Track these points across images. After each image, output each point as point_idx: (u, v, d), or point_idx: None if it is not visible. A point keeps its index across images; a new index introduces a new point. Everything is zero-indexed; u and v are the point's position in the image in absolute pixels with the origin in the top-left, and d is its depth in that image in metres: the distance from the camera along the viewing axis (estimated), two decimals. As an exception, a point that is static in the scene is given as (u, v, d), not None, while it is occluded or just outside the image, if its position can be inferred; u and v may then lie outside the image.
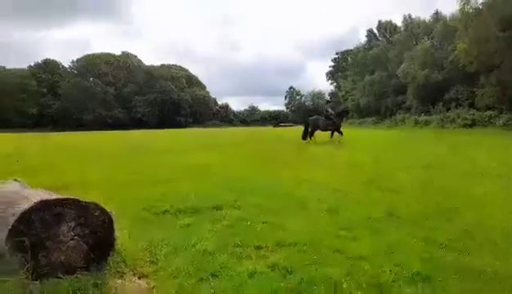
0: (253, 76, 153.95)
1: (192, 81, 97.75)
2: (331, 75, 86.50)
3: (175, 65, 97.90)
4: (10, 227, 2.88)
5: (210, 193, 6.20)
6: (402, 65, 43.95)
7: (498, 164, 9.15)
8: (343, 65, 78.09)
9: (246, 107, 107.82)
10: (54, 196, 3.15)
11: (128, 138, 30.07)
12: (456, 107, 36.15)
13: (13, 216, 2.94)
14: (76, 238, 3.03)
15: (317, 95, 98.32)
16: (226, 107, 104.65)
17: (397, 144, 17.48)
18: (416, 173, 8.00)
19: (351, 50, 72.01)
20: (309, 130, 19.34)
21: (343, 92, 68.57)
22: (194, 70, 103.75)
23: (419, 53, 41.40)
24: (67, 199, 3.03)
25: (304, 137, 19.26)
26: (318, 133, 19.75)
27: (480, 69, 31.47)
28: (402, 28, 52.41)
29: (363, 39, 66.10)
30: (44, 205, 2.95)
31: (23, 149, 17.84)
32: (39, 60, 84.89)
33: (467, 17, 31.91)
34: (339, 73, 78.55)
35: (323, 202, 5.40)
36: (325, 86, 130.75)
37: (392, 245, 3.75)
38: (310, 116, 21.45)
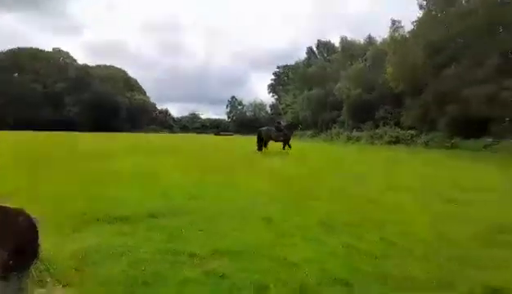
0: (195, 83, 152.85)
1: (131, 84, 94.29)
2: (272, 88, 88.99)
3: (112, 66, 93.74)
4: None
5: (146, 200, 6.06)
6: (338, 84, 46.72)
7: (414, 178, 10.11)
8: (284, 79, 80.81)
9: (187, 113, 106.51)
10: (-30, 199, 2.90)
11: (62, 141, 28.02)
12: (384, 125, 39.19)
13: None
14: (-5, 245, 2.82)
15: (259, 106, 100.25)
16: (165, 112, 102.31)
17: (331, 158, 18.44)
18: (347, 185, 8.54)
19: (292, 65, 74.87)
20: (263, 140, 19.75)
21: (284, 105, 70.82)
22: (134, 74, 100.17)
23: (353, 73, 44.33)
24: (-13, 203, 2.82)
25: (260, 148, 19.52)
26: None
27: (406, 92, 34.54)
28: (340, 49, 55.74)
29: (303, 56, 69.14)
30: (-42, 209, 2.72)
31: None
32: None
33: (395, 43, 34.97)
34: (280, 87, 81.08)
35: (260, 211, 5.56)
36: (267, 98, 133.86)
37: (321, 252, 3.99)
38: (259, 127, 22.28)
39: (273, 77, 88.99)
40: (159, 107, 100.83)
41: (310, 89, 55.84)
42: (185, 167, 11.34)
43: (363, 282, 3.34)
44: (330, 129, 50.26)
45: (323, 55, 63.86)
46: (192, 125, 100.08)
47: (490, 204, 6.75)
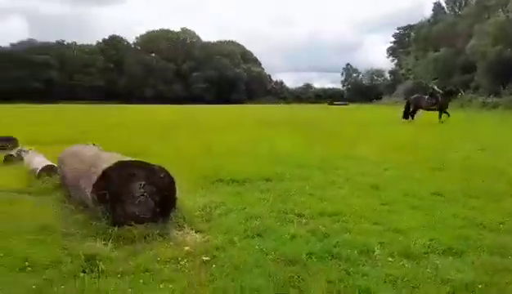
0: (308, 52, 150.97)
1: (247, 57, 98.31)
2: (392, 51, 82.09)
3: (231, 41, 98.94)
4: (94, 182, 3.51)
5: (261, 166, 6.63)
6: (472, 41, 40.56)
7: None
8: (406, 41, 73.63)
9: (301, 84, 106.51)
10: (128, 159, 3.73)
11: (189, 113, 31.48)
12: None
13: (95, 173, 3.57)
14: (145, 194, 3.60)
15: (376, 73, 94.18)
16: (280, 84, 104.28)
17: (457, 127, 16.61)
18: (470, 155, 7.77)
19: (414, 25, 67.52)
20: (410, 109, 18.73)
21: (404, 70, 65.01)
22: (249, 47, 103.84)
23: (491, 27, 37.83)
24: (139, 161, 3.60)
25: (405, 116, 18.67)
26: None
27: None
28: (474, 1, 47.95)
29: (428, 13, 61.61)
30: (121, 165, 3.55)
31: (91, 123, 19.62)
32: (105, 36, 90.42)
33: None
34: (401, 50, 74.32)
35: (368, 178, 5.59)
36: (384, 64, 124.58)
37: (430, 221, 3.90)
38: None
39: (393, 39, 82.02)
40: (274, 78, 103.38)
41: (436, 50, 49.89)
42: (298, 136, 11.74)
43: (478, 254, 3.20)
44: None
45: (453, 10, 55.83)
46: (305, 95, 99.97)
47: None
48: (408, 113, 18.59)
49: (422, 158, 7.33)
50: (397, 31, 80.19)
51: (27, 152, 6.58)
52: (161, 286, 2.54)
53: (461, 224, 3.84)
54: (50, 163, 5.52)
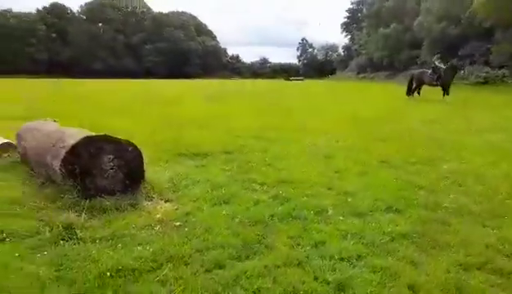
0: (263, 26, 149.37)
1: (202, 30, 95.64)
2: (346, 27, 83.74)
3: (184, 13, 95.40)
4: (62, 157, 3.59)
5: (220, 140, 6.88)
6: (418, 18, 42.55)
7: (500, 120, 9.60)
8: (359, 17, 75.34)
9: (257, 58, 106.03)
10: (95, 134, 3.82)
11: (144, 88, 30.54)
12: (471, 64, 35.47)
13: (63, 148, 3.65)
14: (115, 167, 3.74)
15: (330, 49, 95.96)
16: (236, 58, 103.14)
17: (404, 101, 17.76)
18: (414, 126, 8.53)
19: (366, 0, 69.12)
20: (414, 85, 18.02)
21: (357, 46, 66.91)
22: (204, 19, 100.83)
23: (436, 5, 39.90)
24: (106, 136, 3.71)
25: (408, 93, 17.99)
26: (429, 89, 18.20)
27: (497, 25, 30.54)
28: (422, -22, 49.92)
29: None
30: (89, 140, 3.65)
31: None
32: (46, 3, 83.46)
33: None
34: (355, 25, 76.03)
35: (321, 149, 6.06)
36: (339, 39, 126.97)
37: (375, 185, 4.42)
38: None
39: (347, 14, 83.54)
40: (229, 52, 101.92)
41: (386, 26, 51.75)
42: (254, 111, 12.03)
43: (412, 210, 3.74)
44: (408, 70, 46.84)
45: (403, -13, 57.73)
46: (262, 70, 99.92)
47: None
48: (411, 89, 17.93)
49: (371, 130, 7.96)
50: (351, 6, 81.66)
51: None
52: (139, 248, 2.78)
53: (402, 186, 4.40)
54: (6, 140, 5.39)
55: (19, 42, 72.45)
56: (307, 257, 2.79)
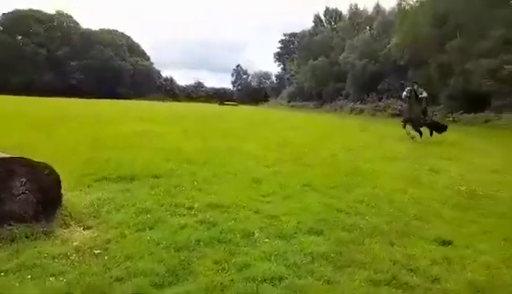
0: (199, 49, 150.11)
1: (134, 49, 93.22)
2: (278, 56, 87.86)
3: (115, 31, 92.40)
4: (-36, 180, 3.24)
5: (149, 162, 6.70)
6: (343, 53, 46.31)
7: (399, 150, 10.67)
8: (291, 48, 79.69)
9: (192, 82, 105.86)
10: (7, 155, 3.52)
11: (67, 106, 28.60)
12: (388, 97, 39.20)
13: (-33, 171, 3.30)
14: (27, 192, 3.46)
15: (263, 76, 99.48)
16: (170, 80, 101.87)
17: (330, 130, 18.95)
18: (336, 153, 9.14)
19: (298, 33, 73.64)
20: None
21: (289, 75, 70.40)
22: (137, 38, 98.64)
23: (359, 43, 43.86)
24: (20, 158, 3.44)
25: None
26: None
27: (410, 64, 34.40)
28: (347, 17, 54.73)
29: (309, 24, 67.93)
30: (-2, 162, 3.34)
31: None
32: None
33: (403, 13, 34.49)
34: (287, 56, 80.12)
35: (250, 173, 6.22)
36: (272, 67, 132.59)
37: (299, 208, 4.64)
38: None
39: (279, 45, 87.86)
40: (163, 74, 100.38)
41: (315, 59, 55.39)
42: (187, 134, 11.95)
43: (333, 231, 3.99)
44: (335, 100, 50.26)
45: (330, 24, 62.72)
46: (197, 93, 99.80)
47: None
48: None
49: (296, 156, 8.35)
50: (283, 38, 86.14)
51: None
52: (51, 279, 2.59)
53: (322, 209, 4.67)
54: None
55: None
56: (232, 281, 2.82)
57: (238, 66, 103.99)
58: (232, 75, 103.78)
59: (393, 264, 3.29)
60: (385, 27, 41.03)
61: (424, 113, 12.71)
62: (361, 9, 53.02)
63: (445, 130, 12.50)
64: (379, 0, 55.70)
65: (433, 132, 12.52)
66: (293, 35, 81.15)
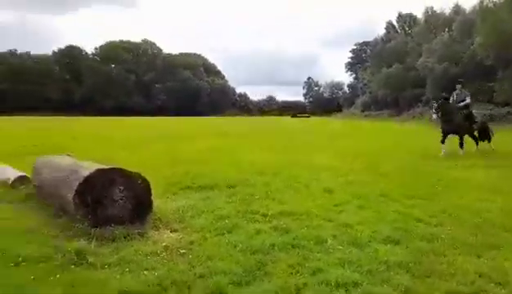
0: (269, 66, 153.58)
1: (210, 69, 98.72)
2: (350, 66, 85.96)
3: (193, 54, 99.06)
4: (75, 188, 3.84)
5: (226, 174, 7.11)
6: (421, 58, 43.68)
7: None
8: (363, 56, 77.52)
9: (264, 97, 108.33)
10: (107, 166, 4.08)
11: (153, 125, 31.30)
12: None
13: (77, 180, 3.90)
14: (124, 198, 3.96)
15: (335, 86, 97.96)
16: (244, 96, 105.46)
17: (406, 138, 17.95)
18: (411, 161, 8.70)
19: (369, 41, 71.44)
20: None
21: (362, 84, 68.37)
22: (212, 58, 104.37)
23: (437, 46, 41.06)
24: (118, 168, 3.97)
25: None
26: None
27: (498, 63, 31.23)
28: (422, 21, 51.74)
29: (381, 31, 65.57)
30: (101, 172, 3.90)
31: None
32: (61, 45, 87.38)
33: (485, 10, 31.66)
34: (359, 65, 78.07)
35: (323, 183, 6.24)
36: (344, 77, 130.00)
37: (374, 217, 4.56)
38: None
39: (351, 55, 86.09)
40: (237, 90, 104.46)
41: (389, 66, 53.07)
42: (260, 147, 12.33)
43: (411, 241, 3.85)
44: (413, 107, 47.40)
45: (404, 30, 59.81)
46: (269, 107, 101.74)
47: None
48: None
49: (371, 165, 8.14)
50: (355, 47, 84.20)
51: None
52: (145, 273, 2.94)
53: (400, 218, 4.53)
54: (22, 173, 5.67)
55: (35, 83, 75.38)
56: (305, 284, 2.91)
57: (309, 78, 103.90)
58: (303, 87, 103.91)
59: (479, 276, 3.09)
60: (466, 27, 37.89)
61: (469, 118, 10.62)
62: (438, 11, 49.75)
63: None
64: (459, 0, 51.76)
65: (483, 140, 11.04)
66: (364, 44, 78.94)
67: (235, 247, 3.54)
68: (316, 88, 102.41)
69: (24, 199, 4.94)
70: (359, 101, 65.83)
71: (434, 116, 10.20)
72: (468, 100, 10.78)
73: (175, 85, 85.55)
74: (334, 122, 41.76)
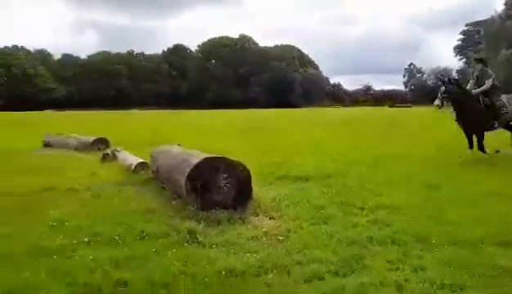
0: (365, 53, 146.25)
1: (304, 60, 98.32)
2: (460, 50, 77.19)
3: (287, 45, 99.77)
4: (187, 174, 4.28)
5: (321, 164, 7.15)
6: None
7: None
8: (475, 38, 68.83)
9: (359, 86, 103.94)
10: (213, 155, 4.46)
11: (249, 116, 32.65)
12: None
13: (189, 167, 4.34)
14: (228, 185, 4.30)
15: (442, 73, 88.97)
16: (338, 86, 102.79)
17: None
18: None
19: (484, 20, 62.91)
20: None
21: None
22: (305, 49, 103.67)
23: None
24: (222, 157, 4.32)
25: None
26: None
27: None
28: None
29: (500, 7, 57.13)
30: (208, 160, 4.29)
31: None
32: (170, 45, 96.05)
33: None
34: (470, 48, 69.62)
35: (422, 177, 5.87)
36: (451, 63, 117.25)
37: (488, 217, 4.14)
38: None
39: (460, 37, 77.21)
40: (331, 81, 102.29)
41: (510, 46, 46.14)
42: (354, 138, 12.00)
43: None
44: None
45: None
46: (365, 97, 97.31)
47: None
48: None
49: (480, 160, 7.34)
50: (465, 28, 75.23)
51: (119, 151, 7.74)
52: (247, 255, 3.18)
53: (518, 220, 4.03)
54: (142, 160, 6.52)
55: (148, 80, 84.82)
56: (406, 280, 2.83)
57: (411, 65, 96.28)
58: (404, 75, 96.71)
59: None
60: None
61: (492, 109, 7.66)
62: None
63: None
64: None
65: None
66: (477, 24, 69.84)
67: (331, 237, 3.59)
68: (418, 75, 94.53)
69: (143, 183, 5.70)
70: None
71: (437, 102, 7.54)
72: (488, 85, 7.72)
73: (269, 77, 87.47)
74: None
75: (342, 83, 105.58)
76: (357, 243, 3.44)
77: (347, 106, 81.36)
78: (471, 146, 7.60)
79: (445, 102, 7.50)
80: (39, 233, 3.63)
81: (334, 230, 3.77)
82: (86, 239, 3.42)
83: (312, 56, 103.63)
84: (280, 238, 3.60)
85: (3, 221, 3.99)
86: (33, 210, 4.43)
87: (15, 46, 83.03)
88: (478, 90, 7.79)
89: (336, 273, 2.91)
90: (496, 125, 7.70)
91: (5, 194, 5.07)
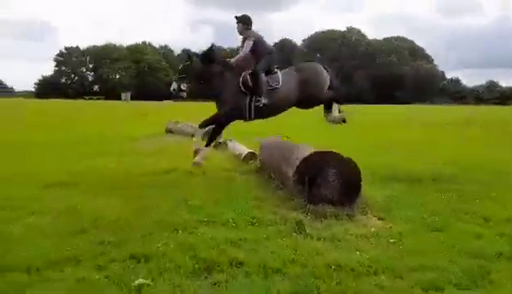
0: (492, 44, 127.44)
1: (417, 53, 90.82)
2: None
3: (398, 37, 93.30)
4: (295, 167, 4.37)
5: (429, 166, 6.61)
6: None
7: None
8: None
9: (482, 82, 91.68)
10: (322, 149, 4.46)
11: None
12: None
13: (297, 159, 4.43)
14: (336, 180, 4.26)
15: None
16: (456, 82, 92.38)
17: None
18: None
19: None
20: None
21: None
22: (421, 42, 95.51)
23: None
24: (332, 152, 4.30)
25: None
26: None
27: None
28: None
29: None
30: (317, 154, 4.31)
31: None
32: (276, 40, 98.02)
33: None
34: None
35: None
36: None
37: None
38: None
39: None
40: (448, 76, 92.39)
41: None
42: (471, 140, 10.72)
43: None
44: None
45: None
46: (489, 95, 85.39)
47: None
48: None
49: None
50: None
51: (231, 140, 8.29)
52: (357, 252, 3.13)
53: None
54: (251, 150, 6.88)
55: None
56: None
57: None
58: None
59: None
60: None
61: None
62: None
63: None
64: None
65: None
66: None
67: (452, 246, 3.29)
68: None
69: (251, 172, 6.00)
70: None
71: None
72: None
73: (377, 71, 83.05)
74: None
75: (461, 78, 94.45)
76: (481, 257, 3.10)
77: (466, 104, 72.65)
78: None
79: None
80: (168, 208, 4.14)
81: (453, 240, 3.45)
82: (205, 219, 3.77)
83: (428, 49, 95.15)
84: (392, 240, 3.44)
85: (140, 195, 4.65)
86: (161, 187, 5.04)
87: (143, 43, 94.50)
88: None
89: (457, 285, 2.68)
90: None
91: (140, 174, 5.89)
